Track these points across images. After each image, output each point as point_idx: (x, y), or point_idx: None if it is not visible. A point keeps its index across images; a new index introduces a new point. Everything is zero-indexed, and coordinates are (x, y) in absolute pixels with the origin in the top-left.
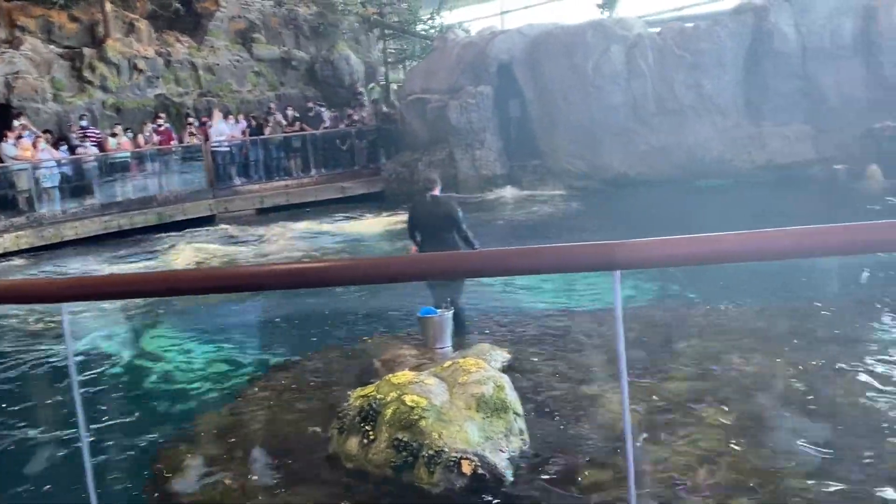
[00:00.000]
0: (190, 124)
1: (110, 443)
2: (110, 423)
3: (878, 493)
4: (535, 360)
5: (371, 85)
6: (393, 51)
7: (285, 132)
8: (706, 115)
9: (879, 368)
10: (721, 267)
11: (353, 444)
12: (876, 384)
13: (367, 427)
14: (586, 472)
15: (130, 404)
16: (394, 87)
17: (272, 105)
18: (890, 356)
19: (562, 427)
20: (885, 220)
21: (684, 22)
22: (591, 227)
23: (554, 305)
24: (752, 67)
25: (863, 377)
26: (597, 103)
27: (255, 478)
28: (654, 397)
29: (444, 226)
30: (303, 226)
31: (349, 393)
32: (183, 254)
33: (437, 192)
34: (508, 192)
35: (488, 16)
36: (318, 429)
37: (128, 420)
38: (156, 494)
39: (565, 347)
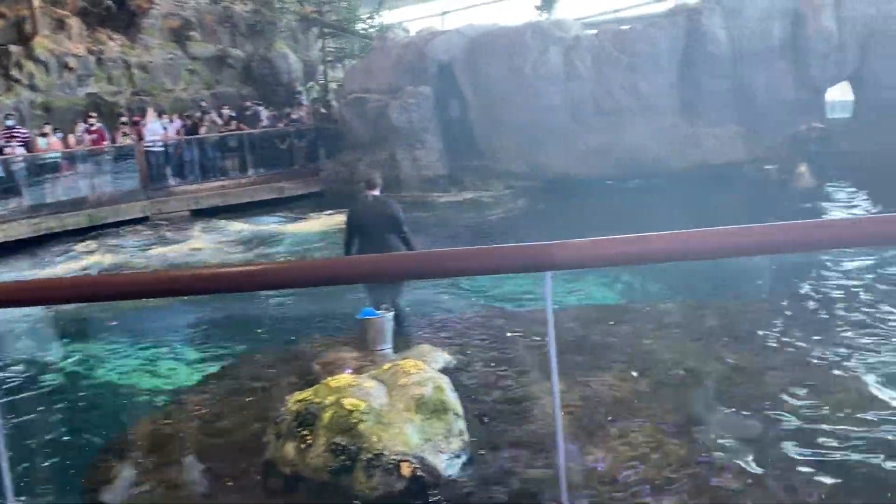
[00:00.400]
0: (123, 124)
1: (38, 457)
2: (38, 435)
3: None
4: (476, 360)
5: (310, 84)
6: (332, 49)
7: (221, 132)
8: (643, 116)
9: (803, 364)
10: (655, 265)
11: (290, 449)
12: (799, 380)
13: (304, 432)
14: (524, 471)
15: (59, 414)
16: (333, 86)
17: (203, 103)
18: (812, 352)
19: (501, 427)
20: (805, 220)
21: (621, 24)
22: (532, 228)
23: (496, 305)
24: (687, 69)
25: (788, 373)
26: (536, 104)
27: (189, 486)
28: (591, 394)
29: (387, 226)
30: (239, 227)
31: (287, 397)
32: (101, 257)
33: (377, 192)
34: (450, 192)
35: (428, 16)
36: (254, 435)
37: (57, 431)
38: None
39: (506, 347)
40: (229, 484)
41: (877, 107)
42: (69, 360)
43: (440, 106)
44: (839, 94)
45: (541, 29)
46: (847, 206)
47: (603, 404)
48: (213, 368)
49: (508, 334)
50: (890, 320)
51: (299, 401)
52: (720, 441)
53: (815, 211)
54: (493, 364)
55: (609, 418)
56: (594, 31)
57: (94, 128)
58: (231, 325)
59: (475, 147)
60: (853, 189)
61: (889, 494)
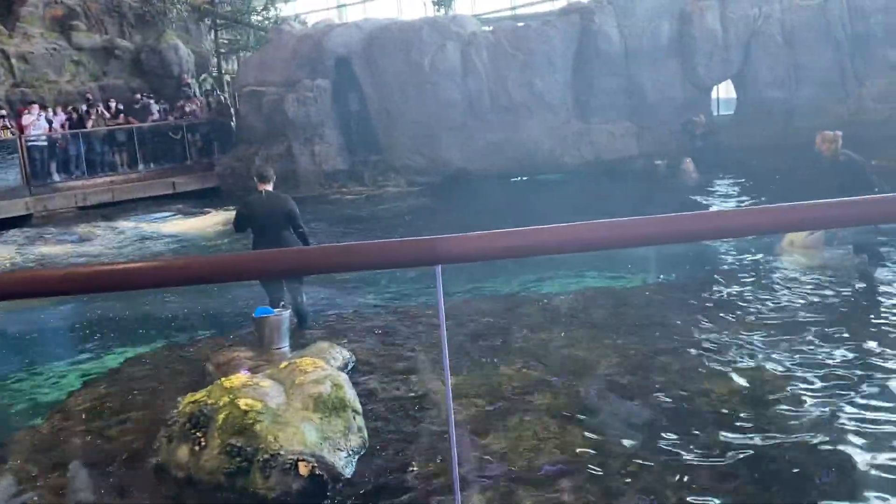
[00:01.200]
0: (3, 117)
1: None
2: None
3: (687, 476)
4: (376, 356)
5: (203, 76)
6: (226, 41)
7: (109, 125)
8: (538, 113)
9: (688, 351)
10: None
11: (183, 452)
12: (685, 366)
13: (197, 434)
14: (423, 466)
15: None
16: (227, 78)
17: (89, 96)
18: (695, 340)
19: (401, 422)
20: (692, 210)
21: (517, 21)
22: (430, 222)
23: (394, 301)
24: (580, 67)
25: (673, 359)
26: (434, 99)
27: (77, 493)
28: (489, 387)
29: (283, 222)
30: (129, 224)
31: (179, 399)
32: None
33: (269, 186)
34: (350, 187)
35: (324, 8)
36: (145, 439)
37: None
38: None
39: (405, 343)
40: (117, 490)
41: (757, 104)
42: None
43: (339, 100)
44: (724, 93)
45: (438, 24)
46: (727, 198)
47: (500, 395)
48: (100, 371)
49: (409, 329)
50: (767, 306)
51: (192, 402)
52: (612, 427)
53: (698, 203)
54: (393, 359)
55: (507, 408)
56: (490, 28)
57: None
58: (118, 326)
59: (374, 142)
60: (735, 182)
61: (766, 471)
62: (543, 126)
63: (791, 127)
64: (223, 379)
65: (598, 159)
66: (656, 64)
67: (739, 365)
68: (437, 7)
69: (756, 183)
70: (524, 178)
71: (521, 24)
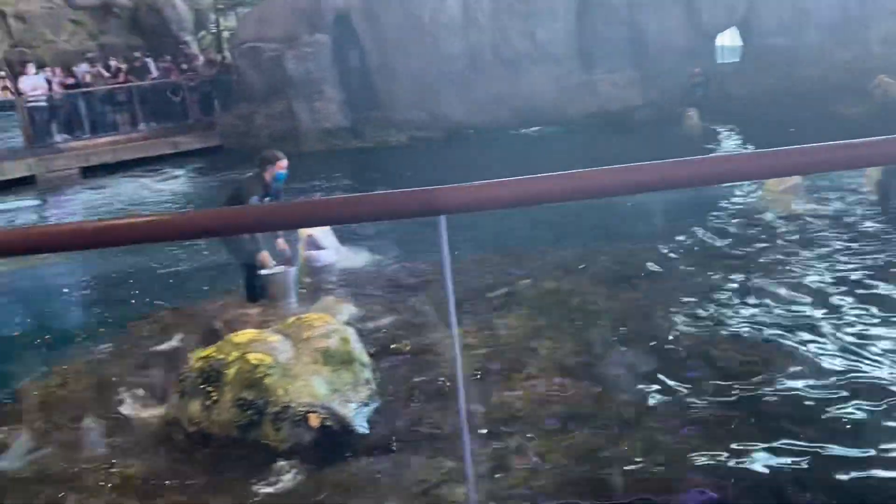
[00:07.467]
0: (1, 78)
1: None
2: None
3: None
4: (381, 310)
5: (202, 33)
6: None
7: (109, 84)
8: (541, 64)
9: (698, 307)
10: (555, 212)
11: (195, 407)
12: (692, 320)
13: (209, 388)
14: (431, 417)
15: None
16: (226, 35)
17: (89, 55)
18: (701, 289)
19: (408, 374)
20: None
21: None
22: (433, 175)
23: (402, 256)
24: (583, 16)
25: (679, 308)
26: (434, 53)
27: (84, 450)
28: (496, 337)
29: None
30: (137, 182)
31: (189, 355)
32: None
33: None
34: (352, 143)
35: None
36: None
37: None
38: None
39: (410, 297)
40: (130, 446)
41: (762, 52)
42: None
43: (338, 56)
44: (729, 41)
45: None
46: (731, 145)
47: (508, 347)
48: (103, 330)
49: (415, 283)
50: (771, 256)
51: (202, 358)
52: (618, 377)
53: (702, 151)
54: (398, 313)
55: (514, 358)
56: None
57: None
58: (120, 283)
59: (375, 97)
60: (738, 130)
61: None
62: (546, 77)
63: (795, 74)
64: (232, 335)
65: (602, 110)
66: (660, 11)
67: (730, 312)
68: None
69: (758, 131)
70: (527, 131)
71: None
